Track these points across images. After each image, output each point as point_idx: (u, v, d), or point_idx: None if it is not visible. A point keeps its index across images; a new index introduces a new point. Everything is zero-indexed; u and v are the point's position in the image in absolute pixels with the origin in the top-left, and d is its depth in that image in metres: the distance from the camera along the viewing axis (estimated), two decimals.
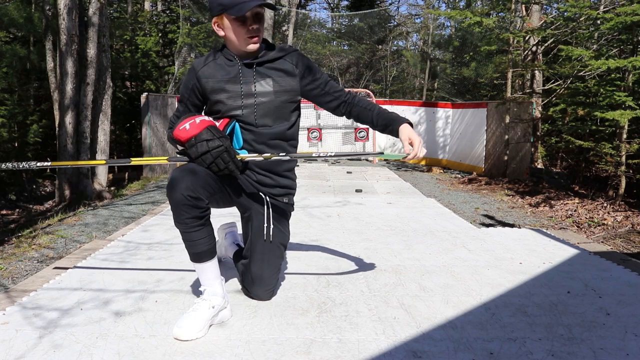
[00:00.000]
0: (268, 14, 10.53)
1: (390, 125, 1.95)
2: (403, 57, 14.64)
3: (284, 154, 1.89)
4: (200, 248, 1.81)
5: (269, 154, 1.86)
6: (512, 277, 2.39)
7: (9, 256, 2.96)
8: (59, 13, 5.12)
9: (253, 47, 1.88)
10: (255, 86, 1.93)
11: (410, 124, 1.93)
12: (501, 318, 1.90)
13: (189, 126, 1.78)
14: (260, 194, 2.04)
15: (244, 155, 1.86)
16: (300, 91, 2.01)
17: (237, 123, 1.94)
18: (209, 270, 1.84)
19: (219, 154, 1.76)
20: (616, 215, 4.10)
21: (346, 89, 2.12)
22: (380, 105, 2.05)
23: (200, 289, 1.86)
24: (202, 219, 1.80)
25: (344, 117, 2.08)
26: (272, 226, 2.03)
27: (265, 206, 2.03)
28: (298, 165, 7.15)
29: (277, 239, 2.05)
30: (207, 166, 1.77)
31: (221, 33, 1.90)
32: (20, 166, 1.94)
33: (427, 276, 2.40)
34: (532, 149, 7.35)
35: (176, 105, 7.87)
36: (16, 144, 7.90)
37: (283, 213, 2.09)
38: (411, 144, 1.85)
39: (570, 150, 7.14)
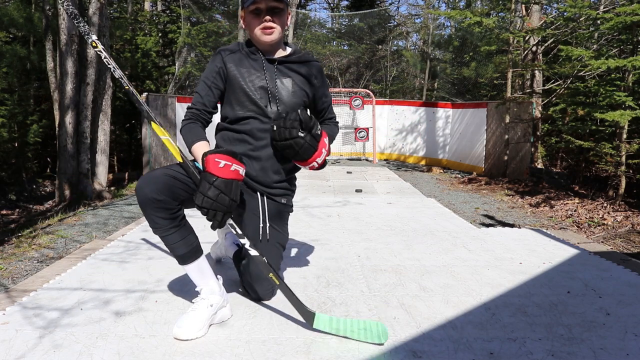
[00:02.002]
0: None
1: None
2: (403, 57, 14.63)
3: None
4: (181, 250, 1.78)
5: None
6: (512, 277, 2.39)
7: (9, 256, 2.96)
8: (59, 13, 5.13)
9: (266, 38, 1.92)
10: (276, 82, 1.98)
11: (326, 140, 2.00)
12: (501, 318, 1.90)
13: (223, 165, 1.65)
14: (257, 194, 2.03)
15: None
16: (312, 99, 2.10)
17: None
18: (199, 270, 1.83)
19: (217, 208, 1.65)
20: (616, 215, 4.10)
21: (333, 118, 2.24)
22: (333, 130, 2.18)
23: (196, 289, 1.86)
24: (175, 219, 1.75)
25: None
26: (267, 225, 2.02)
27: (261, 206, 2.02)
28: None
29: (274, 239, 2.05)
30: (199, 205, 1.65)
31: (245, 26, 1.97)
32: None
33: (427, 276, 2.40)
34: (532, 149, 7.34)
35: (176, 105, 7.83)
36: (16, 144, 7.90)
37: (280, 213, 2.08)
38: None
39: (570, 150, 7.14)
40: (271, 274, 1.81)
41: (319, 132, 1.93)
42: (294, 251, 2.80)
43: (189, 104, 1.99)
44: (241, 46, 2.03)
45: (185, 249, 1.79)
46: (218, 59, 1.99)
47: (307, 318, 1.77)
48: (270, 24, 1.90)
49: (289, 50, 2.06)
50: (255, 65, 1.98)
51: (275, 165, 2.01)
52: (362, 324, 1.76)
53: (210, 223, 1.68)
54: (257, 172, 2.01)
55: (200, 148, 1.80)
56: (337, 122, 2.26)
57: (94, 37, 1.78)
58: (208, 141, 1.86)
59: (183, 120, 1.95)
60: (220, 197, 1.64)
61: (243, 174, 1.72)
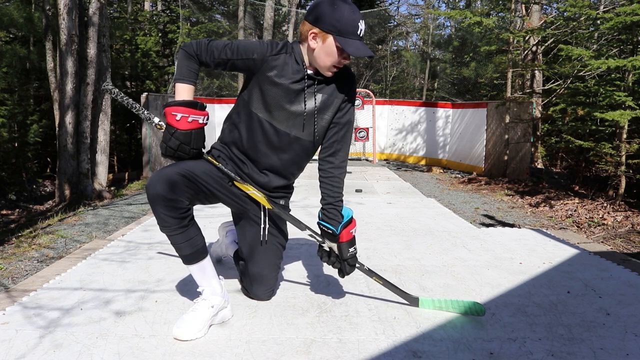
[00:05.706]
0: (268, 13, 10.53)
1: (323, 228, 1.92)
2: (403, 57, 14.64)
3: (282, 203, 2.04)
4: (186, 251, 1.78)
5: (261, 196, 1.93)
6: (512, 277, 2.39)
7: (9, 256, 2.96)
8: (59, 13, 5.12)
9: (329, 75, 1.86)
10: (314, 98, 1.90)
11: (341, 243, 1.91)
12: (501, 318, 1.91)
13: (179, 117, 1.69)
14: None
15: (241, 184, 1.90)
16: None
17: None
18: (203, 270, 1.83)
19: (179, 157, 1.76)
20: (616, 215, 4.10)
21: (341, 165, 1.99)
22: (342, 199, 1.96)
23: (198, 289, 1.86)
24: (184, 219, 1.75)
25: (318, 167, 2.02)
26: (267, 226, 2.01)
27: (262, 209, 2.01)
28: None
29: (274, 239, 2.04)
30: (163, 154, 1.75)
31: (313, 45, 1.80)
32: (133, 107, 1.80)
33: (427, 276, 2.40)
34: (532, 149, 7.35)
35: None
36: (16, 144, 7.89)
37: (279, 214, 2.07)
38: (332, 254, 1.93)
39: (570, 150, 7.15)
40: (374, 277, 2.00)
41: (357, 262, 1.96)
42: (294, 251, 2.80)
43: (200, 40, 1.82)
44: (289, 49, 1.87)
45: (191, 249, 1.79)
46: (262, 52, 1.83)
47: (413, 302, 2.01)
48: (345, 62, 1.84)
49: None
50: (297, 77, 1.86)
51: (281, 175, 2.00)
52: (460, 303, 1.95)
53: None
54: (259, 177, 1.98)
55: (179, 91, 1.78)
56: (343, 170, 2.00)
57: (156, 120, 1.81)
58: (193, 85, 1.81)
59: (187, 45, 1.82)
60: (181, 147, 1.74)
61: (204, 122, 1.76)
